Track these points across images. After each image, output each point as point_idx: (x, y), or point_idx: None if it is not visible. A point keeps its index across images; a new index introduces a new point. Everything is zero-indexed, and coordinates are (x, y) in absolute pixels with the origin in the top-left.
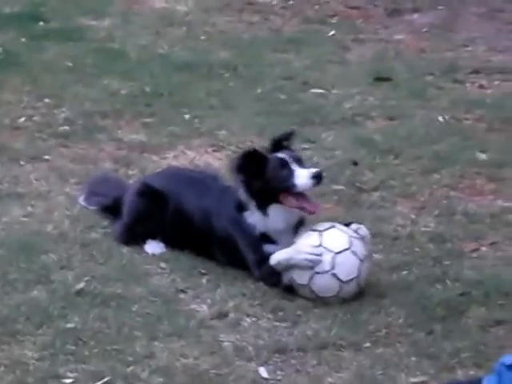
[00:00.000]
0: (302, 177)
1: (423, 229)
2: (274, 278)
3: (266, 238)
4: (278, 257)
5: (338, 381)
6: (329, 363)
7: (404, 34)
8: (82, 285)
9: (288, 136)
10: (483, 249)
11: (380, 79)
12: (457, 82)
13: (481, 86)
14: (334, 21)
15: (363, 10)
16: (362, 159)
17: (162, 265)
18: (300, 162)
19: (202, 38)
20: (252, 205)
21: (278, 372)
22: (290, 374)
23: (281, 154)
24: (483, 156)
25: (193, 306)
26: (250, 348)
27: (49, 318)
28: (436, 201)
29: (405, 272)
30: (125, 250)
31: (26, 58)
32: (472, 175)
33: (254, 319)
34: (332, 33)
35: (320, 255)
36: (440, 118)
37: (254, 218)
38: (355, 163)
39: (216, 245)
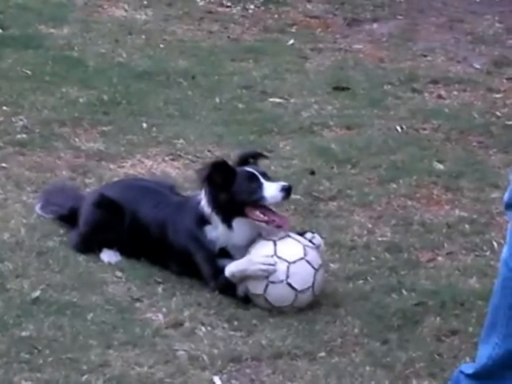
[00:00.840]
0: (271, 190)
1: (380, 238)
2: (230, 290)
3: (224, 253)
4: (232, 268)
5: None
6: (283, 372)
7: (363, 44)
8: (37, 293)
9: (256, 155)
10: (439, 259)
11: (338, 88)
12: (415, 92)
13: (439, 96)
14: (293, 30)
15: (322, 19)
16: (320, 169)
17: (118, 273)
18: (267, 177)
19: (161, 46)
20: (216, 218)
21: (233, 381)
22: None
23: (248, 168)
24: (440, 166)
25: (148, 315)
26: (205, 357)
27: (4, 327)
28: (393, 210)
29: (361, 281)
30: (81, 258)
31: None
32: (429, 185)
33: (209, 328)
34: (291, 42)
35: (274, 265)
36: (398, 128)
37: (215, 232)
38: (312, 172)
39: (171, 256)
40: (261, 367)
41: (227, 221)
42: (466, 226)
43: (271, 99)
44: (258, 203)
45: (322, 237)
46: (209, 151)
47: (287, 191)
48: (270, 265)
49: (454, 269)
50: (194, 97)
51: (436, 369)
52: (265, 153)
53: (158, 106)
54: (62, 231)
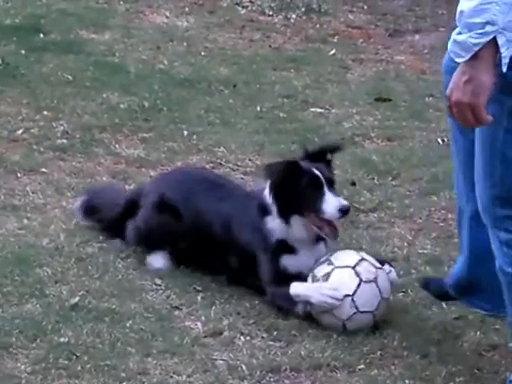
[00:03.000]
0: (330, 206)
1: (420, 251)
2: (288, 304)
3: (285, 247)
4: (298, 290)
5: None
6: None
7: (405, 55)
8: (76, 299)
9: (335, 148)
10: None
11: (380, 99)
12: None
13: None
14: (334, 40)
15: (364, 30)
16: (360, 180)
17: (158, 281)
18: (332, 184)
19: (203, 53)
20: (275, 210)
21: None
22: None
23: (316, 171)
24: None
25: (187, 323)
26: (244, 367)
27: (42, 332)
28: (433, 223)
29: (401, 294)
30: (120, 265)
31: (25, 70)
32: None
33: (248, 338)
34: (333, 52)
35: (341, 300)
36: (439, 140)
37: (274, 223)
38: (353, 183)
39: (233, 251)
40: (300, 378)
41: (285, 216)
42: None
43: (312, 109)
44: (315, 212)
45: (362, 248)
46: (249, 160)
47: (345, 213)
48: (337, 300)
49: None
50: (235, 105)
51: (476, 383)
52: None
53: (199, 114)
54: (101, 237)
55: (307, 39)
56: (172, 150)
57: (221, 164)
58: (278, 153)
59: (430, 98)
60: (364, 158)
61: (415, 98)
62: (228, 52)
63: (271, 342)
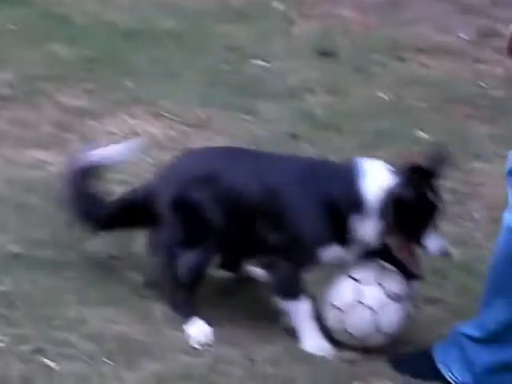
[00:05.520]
0: (433, 244)
1: None
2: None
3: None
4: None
5: None
6: None
7: (351, 11)
8: (16, 248)
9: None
10: None
11: (324, 54)
12: (401, 60)
13: (425, 65)
14: None
15: None
16: (302, 133)
17: None
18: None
19: (148, 5)
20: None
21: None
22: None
23: (432, 196)
24: (424, 135)
25: (126, 273)
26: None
27: None
28: None
29: None
30: (61, 215)
31: None
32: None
33: None
34: (279, 6)
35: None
36: (382, 95)
37: (367, 227)
38: (295, 136)
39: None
40: None
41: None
42: (447, 195)
43: (256, 62)
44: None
45: None
46: (192, 111)
47: (444, 254)
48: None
49: None
50: (180, 57)
51: (413, 337)
52: (245, 115)
53: (143, 66)
54: (42, 187)
55: None
56: (116, 101)
57: (163, 115)
58: (221, 105)
59: (375, 53)
60: (306, 111)
61: (359, 53)
62: (174, 4)
63: None
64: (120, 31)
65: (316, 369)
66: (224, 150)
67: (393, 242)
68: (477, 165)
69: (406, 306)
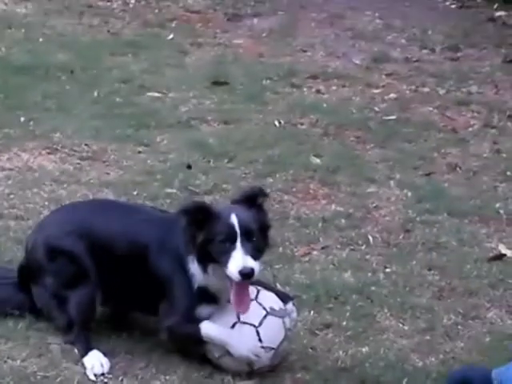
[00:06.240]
0: (233, 265)
1: None
2: (191, 343)
3: (205, 295)
4: (211, 333)
5: None
6: None
7: (243, 39)
8: None
9: (262, 194)
10: (314, 253)
11: (217, 83)
12: (294, 87)
13: (318, 91)
14: (173, 25)
15: (203, 14)
16: (196, 163)
17: None
18: (249, 236)
19: (41, 40)
20: (193, 255)
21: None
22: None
23: (234, 218)
24: (317, 160)
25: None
26: (76, 351)
27: None
28: (269, 205)
29: None
30: None
31: None
32: (305, 180)
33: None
34: (171, 36)
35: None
36: (276, 123)
37: (195, 267)
38: (189, 166)
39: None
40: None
41: (202, 264)
42: (342, 220)
43: (149, 93)
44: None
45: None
46: (86, 145)
47: (245, 277)
48: (258, 356)
49: (328, 263)
50: (73, 91)
51: (309, 362)
52: (140, 146)
53: (36, 100)
54: None
55: (146, 24)
56: (8, 137)
57: (57, 149)
58: (115, 137)
59: (268, 81)
60: (200, 141)
61: (252, 81)
62: (66, 38)
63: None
64: (12, 66)
65: None
66: (92, 204)
67: (218, 270)
68: (371, 189)
69: (284, 321)
